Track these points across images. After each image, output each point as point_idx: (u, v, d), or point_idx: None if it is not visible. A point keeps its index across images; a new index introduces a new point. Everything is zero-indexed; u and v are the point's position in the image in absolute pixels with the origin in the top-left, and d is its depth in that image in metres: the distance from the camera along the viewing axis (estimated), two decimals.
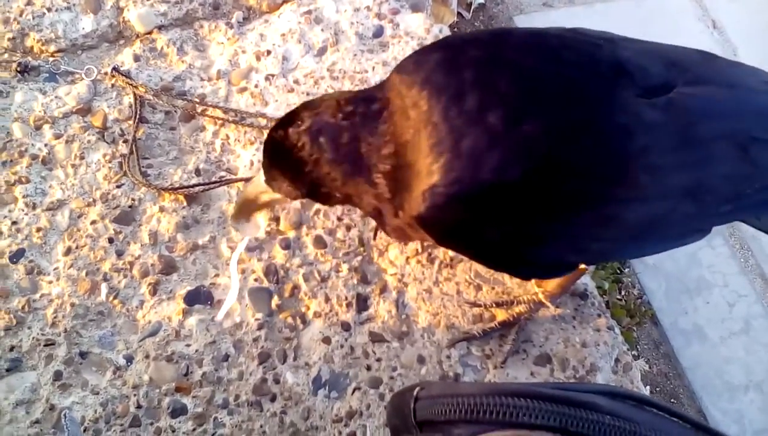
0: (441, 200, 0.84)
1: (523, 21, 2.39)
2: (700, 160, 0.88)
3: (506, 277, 1.29)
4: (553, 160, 0.83)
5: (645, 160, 0.85)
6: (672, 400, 1.80)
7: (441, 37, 1.58)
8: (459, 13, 2.29)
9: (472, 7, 2.37)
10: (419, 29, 1.59)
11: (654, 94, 0.87)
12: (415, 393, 0.83)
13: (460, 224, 0.87)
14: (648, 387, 1.75)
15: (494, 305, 1.25)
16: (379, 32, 1.58)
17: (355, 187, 0.93)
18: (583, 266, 1.15)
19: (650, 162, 0.85)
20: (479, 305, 1.26)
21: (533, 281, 1.26)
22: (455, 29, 2.26)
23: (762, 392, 1.84)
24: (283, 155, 0.93)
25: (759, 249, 2.06)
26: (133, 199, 1.33)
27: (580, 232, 0.90)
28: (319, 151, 0.90)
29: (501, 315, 1.25)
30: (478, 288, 1.28)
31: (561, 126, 0.83)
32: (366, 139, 0.89)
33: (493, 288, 1.28)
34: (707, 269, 2.01)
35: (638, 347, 1.86)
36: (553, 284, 1.21)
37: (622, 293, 1.92)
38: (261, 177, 0.99)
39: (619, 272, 1.94)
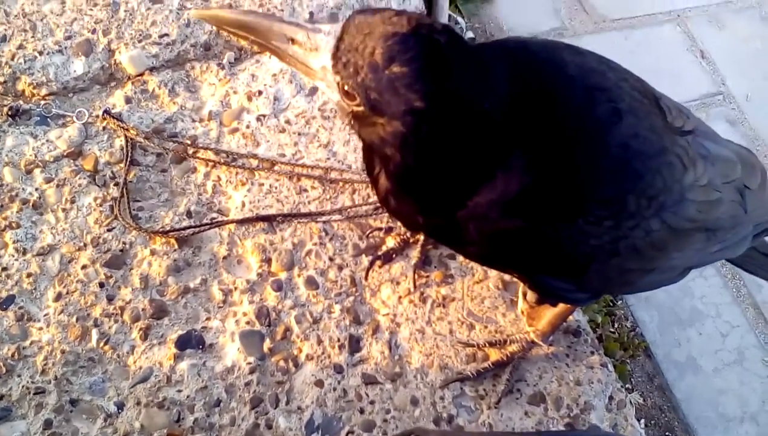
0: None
1: None
2: (719, 200, 0.97)
3: (499, 315, 1.29)
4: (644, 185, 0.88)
5: (694, 195, 0.93)
6: (667, 433, 1.79)
7: None
8: None
9: None
10: None
11: (680, 132, 0.96)
12: None
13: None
14: (643, 420, 1.75)
15: (487, 345, 1.25)
16: None
17: None
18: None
19: (697, 197, 0.94)
20: (472, 345, 1.26)
21: (525, 319, 1.27)
22: None
23: (757, 424, 1.83)
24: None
25: (751, 279, 2.06)
26: (124, 243, 1.33)
27: (636, 257, 0.94)
28: None
29: (494, 355, 1.25)
30: (471, 327, 1.28)
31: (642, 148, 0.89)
32: None
33: (486, 327, 1.28)
34: (700, 300, 2.02)
35: (632, 379, 1.85)
36: (543, 322, 1.21)
37: (615, 325, 1.92)
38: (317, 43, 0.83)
39: (611, 304, 1.94)
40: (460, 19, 2.39)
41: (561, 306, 1.19)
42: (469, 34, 2.40)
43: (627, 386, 1.82)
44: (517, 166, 0.81)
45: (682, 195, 0.91)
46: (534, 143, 0.81)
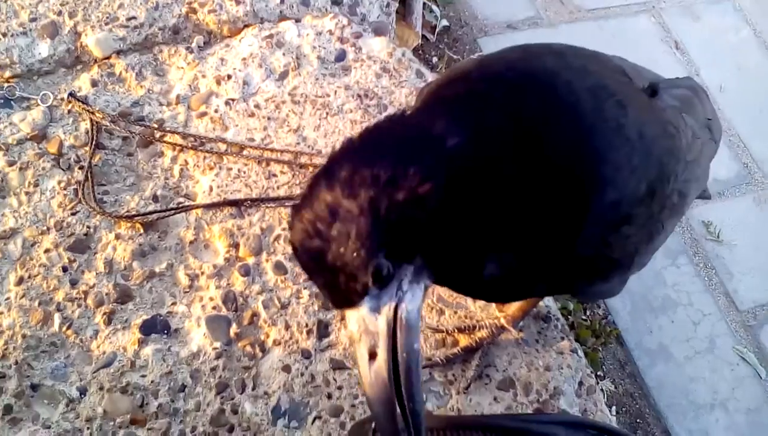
0: None
1: (488, 43, 2.40)
2: (702, 147, 1.00)
3: (469, 300, 1.28)
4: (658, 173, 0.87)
5: (690, 154, 0.95)
6: (638, 420, 1.80)
7: (404, 60, 1.58)
8: (423, 36, 2.30)
9: (437, 30, 2.37)
10: (382, 53, 1.59)
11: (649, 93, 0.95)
12: (373, 425, 0.82)
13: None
14: (614, 408, 1.75)
15: (457, 331, 1.24)
16: (341, 56, 1.57)
17: None
18: None
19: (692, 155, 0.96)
20: (441, 331, 1.25)
21: (494, 305, 1.26)
22: (419, 51, 2.27)
23: (727, 411, 1.84)
24: None
25: (723, 268, 2.08)
26: (88, 227, 1.31)
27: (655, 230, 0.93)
28: None
29: (464, 341, 1.24)
30: (441, 313, 1.27)
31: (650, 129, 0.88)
32: None
33: (455, 312, 1.27)
34: (672, 288, 2.02)
35: (604, 367, 1.86)
36: (514, 307, 1.20)
37: (587, 313, 1.92)
38: None
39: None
40: (435, 7, 2.38)
41: None
42: (444, 23, 2.39)
43: (598, 373, 1.82)
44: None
45: (685, 160, 0.92)
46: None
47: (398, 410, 0.70)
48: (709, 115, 1.09)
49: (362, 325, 0.70)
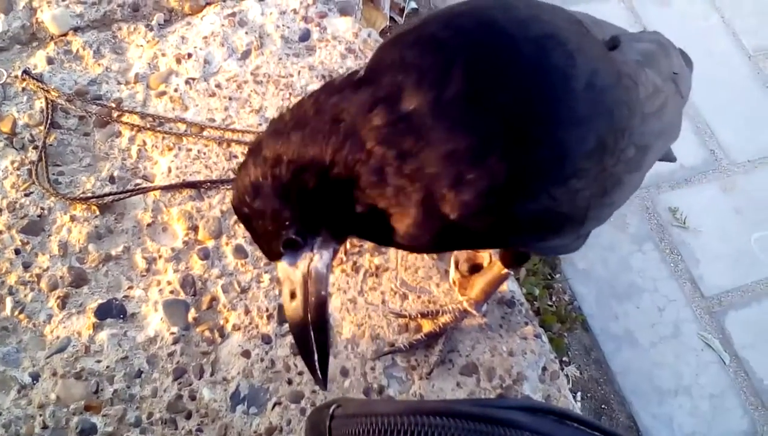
0: (483, 185, 0.77)
1: None
2: (665, 100, 0.97)
3: (432, 285, 1.27)
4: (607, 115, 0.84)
5: (647, 109, 0.92)
6: (603, 406, 1.80)
7: (370, 41, 1.56)
8: (392, 18, 2.27)
9: (405, 12, 2.35)
10: (347, 33, 1.56)
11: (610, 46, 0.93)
12: (331, 411, 0.80)
13: (504, 200, 0.79)
14: (579, 393, 1.75)
15: (420, 316, 1.23)
16: (305, 36, 1.54)
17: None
18: (505, 270, 1.14)
19: (647, 109, 0.92)
20: (405, 316, 1.23)
21: (457, 289, 1.24)
22: (387, 34, 2.24)
23: (691, 396, 1.85)
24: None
25: (688, 253, 2.09)
26: (42, 209, 1.27)
27: (616, 181, 0.90)
28: None
29: (427, 326, 1.22)
30: (404, 297, 1.26)
31: (604, 83, 0.84)
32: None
33: (419, 297, 1.26)
34: (637, 274, 2.03)
35: (569, 353, 1.86)
36: (476, 290, 1.19)
37: (553, 298, 1.92)
38: None
39: (549, 277, 1.94)
40: None
41: (493, 274, 1.17)
42: (412, 5, 2.36)
43: (564, 359, 1.82)
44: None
45: (643, 113, 0.90)
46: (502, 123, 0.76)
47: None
48: (676, 69, 1.05)
49: (285, 274, 0.87)
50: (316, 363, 0.89)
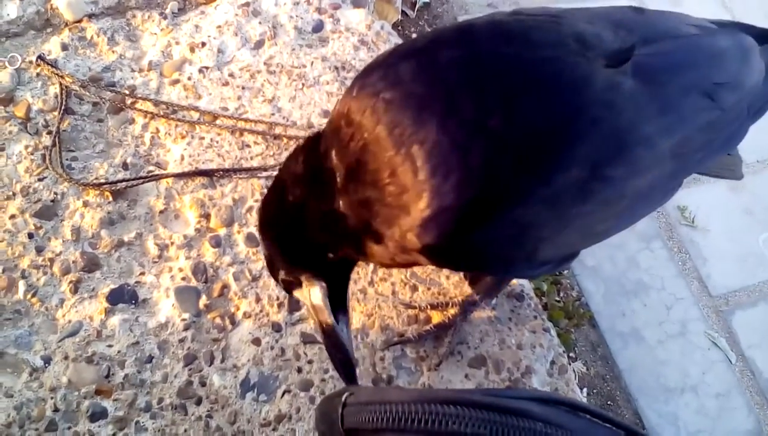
0: (447, 226, 0.78)
1: None
2: (680, 120, 0.89)
3: (442, 277, 1.27)
4: (558, 155, 0.79)
5: (636, 135, 0.84)
6: (608, 402, 1.80)
7: (383, 33, 1.56)
8: (403, 12, 2.27)
9: (417, 6, 2.35)
10: (360, 25, 1.56)
11: (616, 60, 0.85)
12: (343, 399, 0.80)
13: (470, 239, 0.80)
14: (585, 389, 1.75)
15: (429, 307, 1.23)
16: (318, 27, 1.55)
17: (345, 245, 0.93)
18: None
19: (641, 134, 0.84)
20: (414, 307, 1.23)
21: (467, 282, 1.25)
22: (399, 28, 2.24)
23: (697, 394, 1.85)
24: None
25: (696, 252, 2.08)
26: (55, 193, 1.28)
27: (588, 219, 0.88)
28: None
29: (437, 317, 1.22)
30: (414, 289, 1.26)
31: (557, 118, 0.80)
32: (327, 204, 0.87)
33: (429, 289, 1.26)
34: (645, 272, 2.02)
35: (576, 349, 1.85)
36: (486, 283, 1.19)
37: (561, 294, 1.91)
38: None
39: (557, 273, 1.93)
40: None
41: None
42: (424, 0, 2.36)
43: (570, 354, 1.82)
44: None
45: (623, 142, 0.84)
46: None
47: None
48: (724, 79, 0.95)
49: (302, 302, 1.03)
50: (341, 370, 1.01)
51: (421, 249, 0.81)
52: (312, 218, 0.88)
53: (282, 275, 0.98)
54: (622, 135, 0.83)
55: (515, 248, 0.85)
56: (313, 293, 0.97)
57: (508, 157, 0.77)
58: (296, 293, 1.00)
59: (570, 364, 1.27)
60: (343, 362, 0.99)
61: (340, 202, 0.85)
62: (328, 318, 0.97)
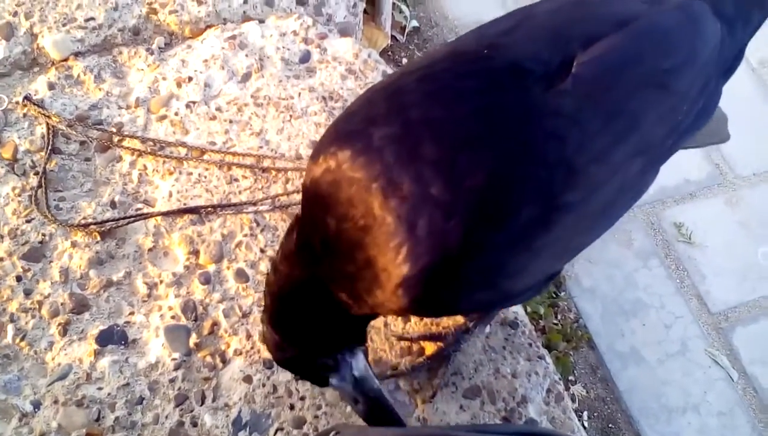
0: (419, 289, 0.81)
1: None
2: (632, 121, 0.87)
3: None
4: (507, 201, 0.80)
5: (587, 153, 0.83)
6: (609, 425, 1.78)
7: (370, 62, 1.56)
8: (393, 37, 2.28)
9: (406, 31, 2.35)
10: (347, 54, 1.56)
11: (557, 78, 0.83)
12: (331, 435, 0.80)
13: (442, 295, 0.84)
14: (585, 413, 1.73)
15: (422, 338, 1.22)
16: (305, 57, 1.55)
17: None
18: None
19: (592, 151, 0.83)
20: (407, 339, 1.22)
21: None
22: (389, 53, 2.24)
23: (699, 414, 1.84)
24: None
25: (694, 269, 2.07)
26: (43, 235, 1.27)
27: (558, 244, 0.89)
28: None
29: (430, 348, 1.21)
30: (407, 320, 1.25)
31: (500, 166, 0.80)
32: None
33: (421, 319, 1.25)
34: (643, 291, 2.01)
35: (575, 371, 1.84)
36: (479, 312, 1.18)
37: (558, 317, 1.90)
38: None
39: (554, 296, 1.92)
40: (404, 8, 2.36)
41: None
42: (414, 24, 2.37)
43: (570, 377, 1.81)
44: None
45: (573, 167, 0.82)
46: None
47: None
48: (675, 62, 0.91)
49: (340, 390, 1.01)
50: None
51: (399, 311, 0.86)
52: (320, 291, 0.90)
53: (319, 361, 0.98)
54: (571, 159, 0.82)
55: (485, 290, 0.88)
56: (356, 365, 0.99)
57: (456, 218, 0.78)
58: (334, 380, 0.99)
59: (568, 389, 1.26)
60: (395, 421, 1.00)
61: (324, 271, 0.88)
62: (374, 386, 0.99)
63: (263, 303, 0.97)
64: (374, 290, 0.83)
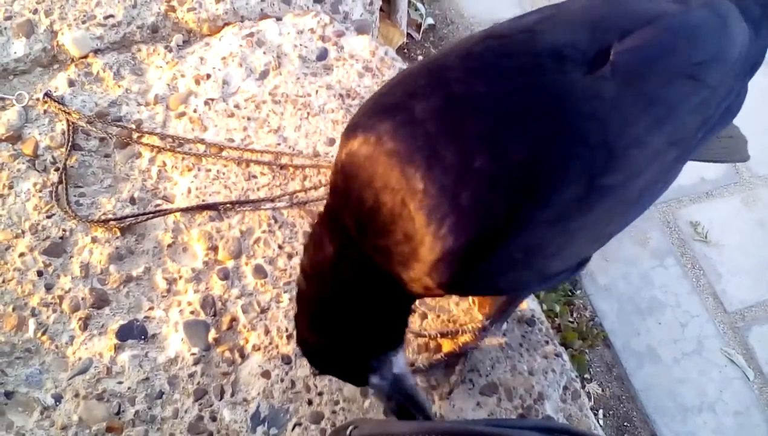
0: (459, 264, 0.79)
1: None
2: (668, 109, 0.88)
3: (452, 304, 1.26)
4: (551, 178, 0.80)
5: (627, 138, 0.84)
6: (625, 423, 1.78)
7: (387, 59, 1.56)
8: (409, 34, 2.28)
9: (422, 28, 2.35)
10: (364, 51, 1.56)
11: (595, 65, 0.84)
12: (348, 432, 0.80)
13: (482, 271, 0.82)
14: (601, 411, 1.73)
15: (439, 335, 1.22)
16: (323, 55, 1.55)
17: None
18: None
19: (631, 136, 0.84)
20: (424, 336, 1.23)
21: (477, 308, 1.24)
22: (405, 50, 2.25)
23: (715, 413, 1.83)
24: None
25: (711, 268, 2.07)
26: (64, 230, 1.28)
27: (593, 228, 0.89)
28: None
29: (447, 345, 1.22)
30: (424, 316, 1.25)
31: (543, 143, 0.80)
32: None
33: (438, 316, 1.25)
34: (659, 290, 2.01)
35: (591, 369, 1.84)
36: (496, 309, 1.18)
37: (574, 315, 1.90)
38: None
39: (570, 294, 1.92)
40: (420, 5, 2.36)
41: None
42: (429, 21, 2.37)
43: (585, 376, 1.80)
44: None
45: (614, 149, 0.84)
46: None
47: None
48: (705, 57, 0.93)
49: (378, 389, 0.99)
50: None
51: (435, 288, 0.83)
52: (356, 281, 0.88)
53: (368, 365, 0.96)
54: (612, 142, 0.83)
55: (523, 269, 0.87)
56: (396, 363, 0.98)
57: (500, 191, 0.77)
58: (373, 381, 0.98)
59: (584, 387, 1.26)
60: (427, 415, 1.00)
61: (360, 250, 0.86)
62: (411, 383, 1.00)
63: (296, 312, 0.95)
64: (412, 263, 0.81)
